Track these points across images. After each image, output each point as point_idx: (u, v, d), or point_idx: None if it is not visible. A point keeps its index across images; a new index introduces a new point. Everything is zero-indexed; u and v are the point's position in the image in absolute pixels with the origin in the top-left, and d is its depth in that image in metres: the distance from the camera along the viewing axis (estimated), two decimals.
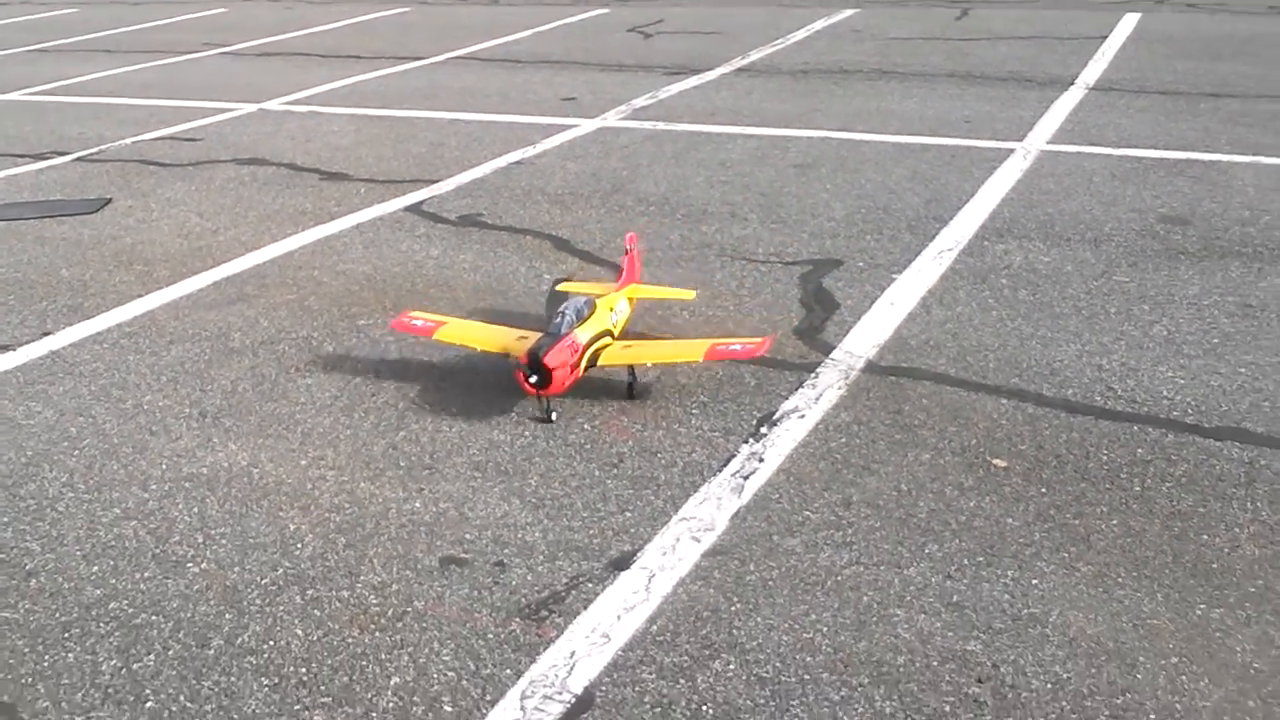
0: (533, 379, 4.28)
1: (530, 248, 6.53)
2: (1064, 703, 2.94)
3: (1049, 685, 3.01)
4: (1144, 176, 7.38)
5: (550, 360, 4.27)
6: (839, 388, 4.69)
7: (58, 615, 3.45)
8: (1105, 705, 2.93)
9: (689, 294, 5.32)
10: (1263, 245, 6.12)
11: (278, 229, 7.03)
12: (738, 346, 4.55)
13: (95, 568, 3.69)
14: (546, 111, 9.95)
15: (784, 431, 4.35)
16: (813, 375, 4.81)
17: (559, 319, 4.50)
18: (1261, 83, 9.77)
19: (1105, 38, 11.95)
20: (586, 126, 9.33)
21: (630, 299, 5.06)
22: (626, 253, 5.23)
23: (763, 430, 4.37)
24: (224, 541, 3.79)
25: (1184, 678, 3.01)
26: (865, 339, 5.14)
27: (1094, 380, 4.69)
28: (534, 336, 4.56)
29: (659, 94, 10.43)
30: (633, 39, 13.64)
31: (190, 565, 3.68)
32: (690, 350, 4.62)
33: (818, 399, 4.60)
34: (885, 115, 9.26)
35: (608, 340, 4.66)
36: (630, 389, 4.67)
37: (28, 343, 5.49)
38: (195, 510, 3.99)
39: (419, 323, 4.90)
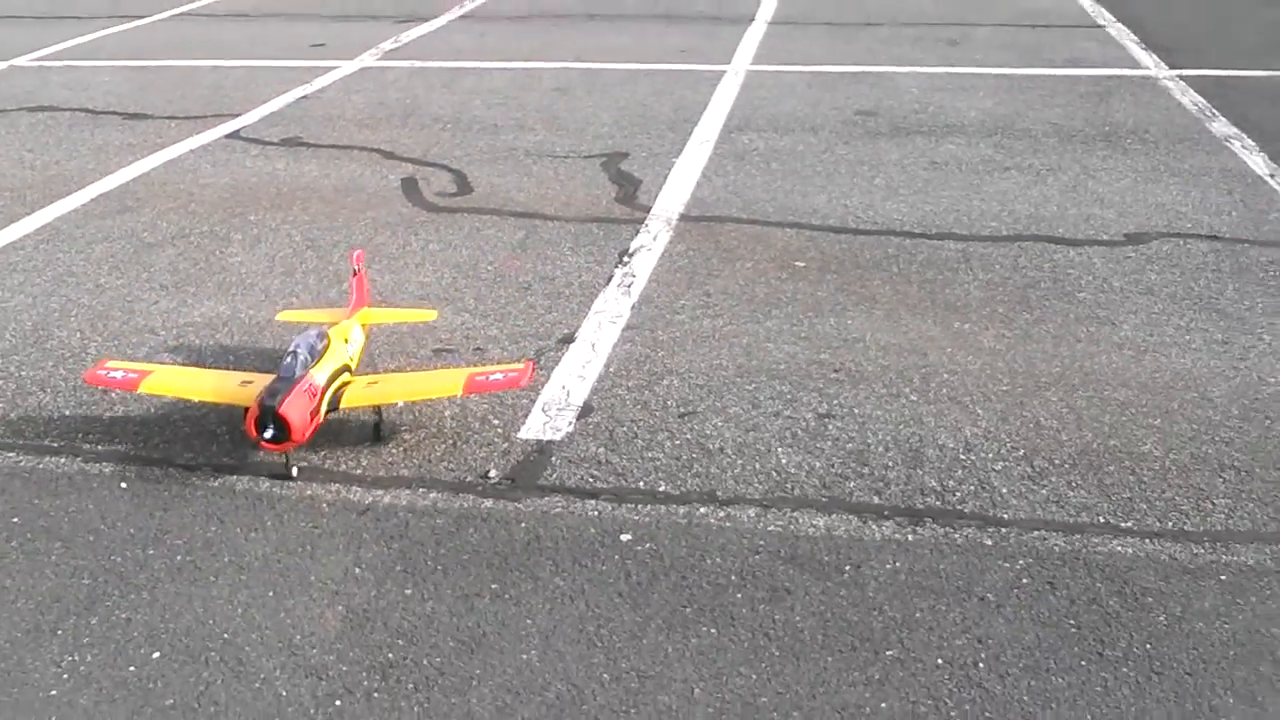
0: (268, 434, 3.78)
1: (362, 159, 7.67)
2: (891, 374, 4.60)
3: (878, 368, 4.67)
4: (834, 85, 9.31)
5: (287, 411, 3.76)
6: (668, 231, 6.22)
7: (158, 411, 4.47)
8: (915, 373, 4.61)
9: (430, 314, 4.98)
10: (934, 126, 8.12)
11: (116, 159, 7.78)
12: (499, 376, 4.10)
13: None
14: (303, 56, 10.88)
15: (642, 258, 5.84)
16: (644, 226, 6.31)
17: (290, 359, 3.95)
18: (900, 13, 12.04)
19: None
20: (348, 67, 10.38)
21: (364, 325, 4.55)
22: (354, 274, 4.70)
23: (625, 259, 5.84)
24: (252, 359, 4.87)
25: (941, 357, 4.74)
26: (671, 201, 6.68)
27: (845, 214, 6.44)
28: (260, 381, 4.02)
29: (400, 39, 11.56)
30: None
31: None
32: (446, 383, 4.16)
33: (655, 238, 6.11)
34: (611, 49, 10.83)
35: (347, 377, 4.15)
36: (377, 430, 4.18)
37: None
38: (211, 343, 5.04)
39: (118, 374, 4.21)
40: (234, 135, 8.29)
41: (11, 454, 4.19)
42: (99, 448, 4.22)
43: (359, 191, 7.00)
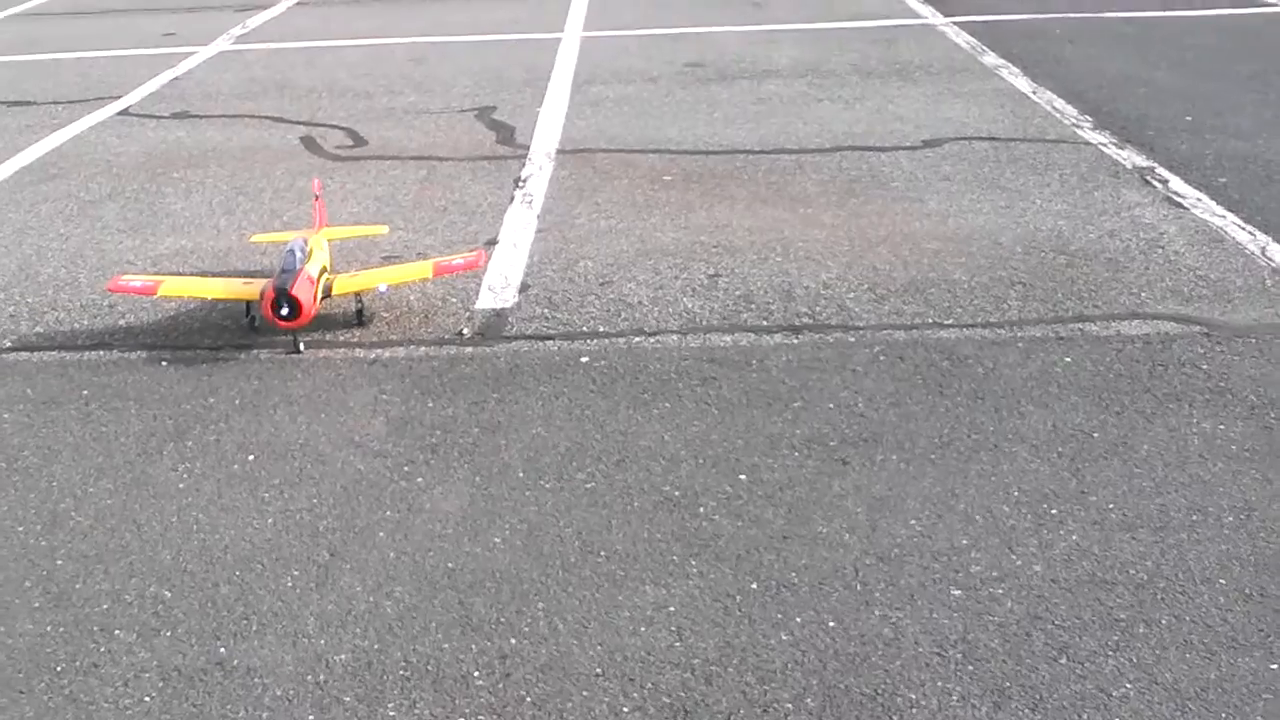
0: (284, 311, 4.62)
1: (256, 124, 8.52)
2: (758, 246, 5.83)
3: (747, 242, 5.88)
4: (660, 44, 10.55)
5: (297, 292, 4.62)
6: (550, 162, 7.32)
7: (166, 315, 5.36)
8: (777, 244, 5.85)
9: (381, 229, 5.92)
10: (754, 71, 9.43)
11: (20, 138, 8.40)
12: (460, 261, 5.16)
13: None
14: (158, 45, 11.51)
15: (534, 182, 6.94)
16: (528, 159, 7.40)
17: (289, 255, 4.81)
18: None
19: None
20: (206, 52, 11.09)
21: (329, 239, 5.40)
22: (316, 198, 5.63)
23: (521, 183, 6.93)
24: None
25: (794, 233, 6.01)
26: (545, 140, 7.79)
27: (695, 140, 7.66)
28: (260, 280, 4.94)
29: (247, 24, 12.29)
30: None
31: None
32: (418, 270, 5.19)
33: (540, 168, 7.22)
34: (450, 25, 11.83)
35: (329, 274, 5.04)
36: (359, 315, 5.06)
37: None
38: (186, 267, 5.90)
39: (136, 283, 5.12)
40: (124, 113, 8.99)
41: (54, 351, 5.03)
42: (128, 343, 5.10)
43: (265, 149, 7.87)
